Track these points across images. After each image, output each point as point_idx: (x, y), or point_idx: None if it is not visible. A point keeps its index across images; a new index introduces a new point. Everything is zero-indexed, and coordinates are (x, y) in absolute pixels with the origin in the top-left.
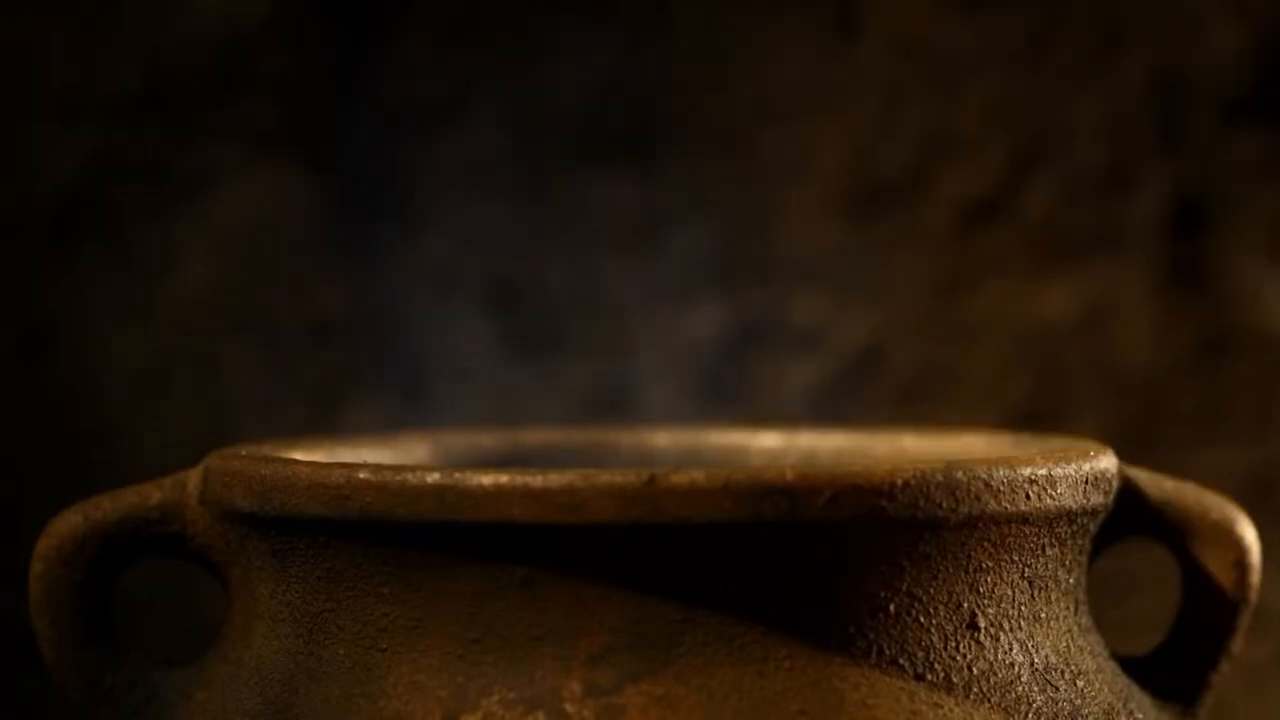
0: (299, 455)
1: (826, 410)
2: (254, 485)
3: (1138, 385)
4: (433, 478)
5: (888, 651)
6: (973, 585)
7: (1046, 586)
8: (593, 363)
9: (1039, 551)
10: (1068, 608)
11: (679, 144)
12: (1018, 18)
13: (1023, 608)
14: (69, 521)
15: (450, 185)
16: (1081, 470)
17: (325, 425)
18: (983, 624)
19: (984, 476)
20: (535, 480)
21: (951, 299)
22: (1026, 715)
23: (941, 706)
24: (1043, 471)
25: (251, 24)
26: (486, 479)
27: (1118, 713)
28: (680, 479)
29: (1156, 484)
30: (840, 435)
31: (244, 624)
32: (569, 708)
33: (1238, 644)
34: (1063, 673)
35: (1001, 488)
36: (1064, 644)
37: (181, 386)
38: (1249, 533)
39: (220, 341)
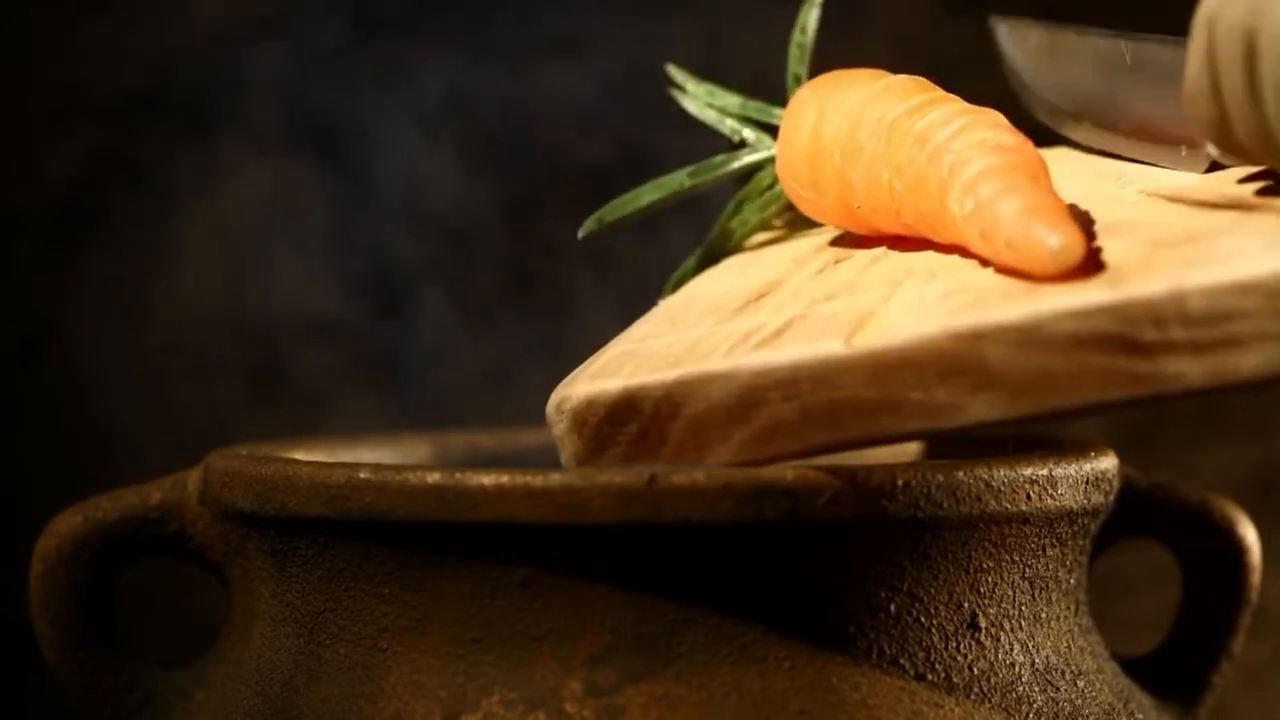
0: (299, 455)
1: None
2: (254, 485)
3: None
4: (433, 478)
5: (888, 651)
6: (973, 585)
7: (1047, 587)
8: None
9: (1039, 552)
10: (1068, 608)
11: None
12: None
13: (1023, 608)
14: (69, 521)
15: None
16: (1082, 470)
17: (324, 425)
18: (983, 624)
19: (984, 476)
20: (535, 480)
21: None
22: (1027, 715)
23: (942, 706)
24: (1043, 471)
25: (251, 23)
26: (487, 479)
27: (1118, 713)
28: (680, 479)
29: (1156, 484)
30: None
31: (244, 624)
32: (569, 708)
33: (1238, 644)
34: (1063, 673)
35: (1002, 488)
36: (1064, 644)
37: (181, 386)
38: (1249, 533)
39: (220, 341)
